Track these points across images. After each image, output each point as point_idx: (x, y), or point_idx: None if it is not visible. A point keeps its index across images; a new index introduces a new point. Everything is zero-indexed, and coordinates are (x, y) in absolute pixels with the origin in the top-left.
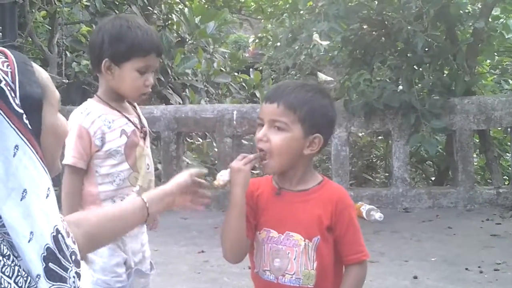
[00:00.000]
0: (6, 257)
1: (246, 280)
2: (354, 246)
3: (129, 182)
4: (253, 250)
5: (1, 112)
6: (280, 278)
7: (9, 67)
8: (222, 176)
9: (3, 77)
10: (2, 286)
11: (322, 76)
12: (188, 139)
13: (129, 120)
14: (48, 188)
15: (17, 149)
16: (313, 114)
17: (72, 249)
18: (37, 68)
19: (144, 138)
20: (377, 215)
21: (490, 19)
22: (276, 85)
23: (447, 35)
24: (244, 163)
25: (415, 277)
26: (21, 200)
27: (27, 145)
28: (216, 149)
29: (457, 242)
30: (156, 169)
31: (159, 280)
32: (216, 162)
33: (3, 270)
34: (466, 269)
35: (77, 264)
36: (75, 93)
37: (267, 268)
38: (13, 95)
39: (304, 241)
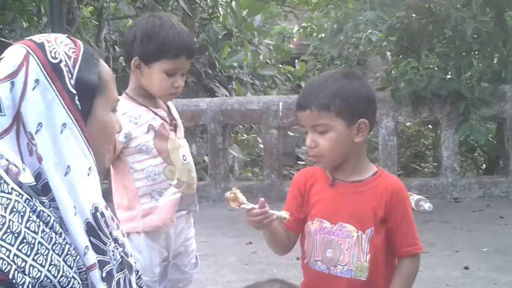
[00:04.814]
0: (58, 235)
1: (294, 271)
2: (408, 238)
3: (165, 176)
4: (304, 240)
5: (56, 89)
6: (332, 269)
7: (74, 53)
8: (243, 205)
9: (64, 59)
10: (53, 263)
11: (389, 55)
12: (233, 134)
13: (157, 114)
14: (90, 168)
15: (64, 127)
16: (348, 103)
17: (111, 229)
18: (103, 65)
19: (175, 131)
20: (426, 205)
21: None
22: (302, 89)
23: (496, 21)
24: (266, 223)
25: (466, 268)
26: (65, 175)
27: (75, 124)
28: (261, 145)
29: (509, 232)
30: (203, 161)
31: (209, 271)
32: (262, 153)
33: (53, 248)
34: None
35: (118, 244)
36: (123, 87)
37: (319, 259)
38: (69, 76)
39: (357, 232)
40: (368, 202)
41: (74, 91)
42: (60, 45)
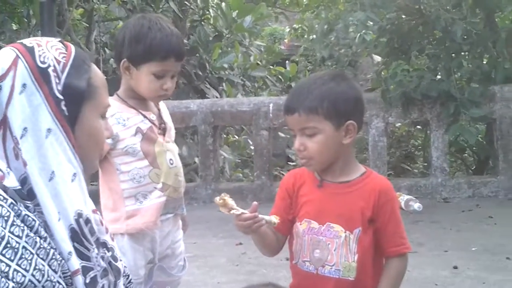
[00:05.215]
0: (43, 239)
1: (284, 271)
2: (395, 238)
3: (150, 179)
4: (292, 241)
5: (42, 94)
6: (320, 269)
7: (64, 58)
8: (232, 211)
9: (53, 64)
10: (37, 267)
11: (376, 58)
12: (225, 135)
13: (146, 117)
14: (74, 174)
15: (49, 132)
16: (336, 105)
17: (97, 236)
18: (95, 71)
19: (164, 134)
20: (416, 206)
21: None
22: (289, 93)
23: (486, 22)
24: (255, 228)
25: (455, 267)
26: (49, 180)
27: (60, 130)
28: (252, 147)
29: (498, 231)
30: (193, 162)
31: (199, 272)
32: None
33: (37, 252)
34: (507, 258)
35: (105, 248)
36: (113, 89)
37: (307, 259)
38: (57, 81)
39: (345, 232)
40: (356, 202)
41: (61, 97)
42: (51, 50)
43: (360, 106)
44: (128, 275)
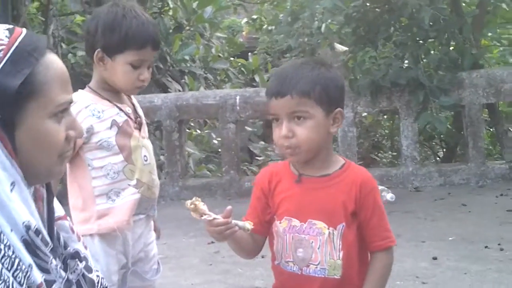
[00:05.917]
0: (7, 247)
1: (260, 269)
2: (380, 231)
3: (124, 175)
4: (273, 240)
5: None
6: (304, 269)
7: (1, 52)
8: (204, 216)
9: None
10: (1, 278)
11: (338, 47)
12: (188, 129)
13: (121, 109)
14: (12, 183)
15: None
16: (327, 91)
17: (51, 245)
18: (48, 63)
19: (139, 129)
20: (389, 196)
21: None
22: (278, 77)
23: (452, 8)
24: (227, 235)
25: (435, 258)
26: None
27: None
28: (215, 141)
29: (473, 219)
30: (158, 159)
31: (171, 274)
32: (219, 150)
33: (2, 261)
34: (486, 247)
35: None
36: (72, 85)
37: (290, 259)
38: None
39: (328, 229)
40: (337, 196)
41: None
42: None
43: (344, 95)
44: (106, 287)
